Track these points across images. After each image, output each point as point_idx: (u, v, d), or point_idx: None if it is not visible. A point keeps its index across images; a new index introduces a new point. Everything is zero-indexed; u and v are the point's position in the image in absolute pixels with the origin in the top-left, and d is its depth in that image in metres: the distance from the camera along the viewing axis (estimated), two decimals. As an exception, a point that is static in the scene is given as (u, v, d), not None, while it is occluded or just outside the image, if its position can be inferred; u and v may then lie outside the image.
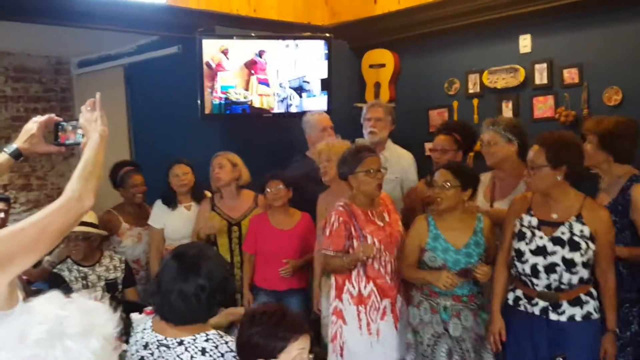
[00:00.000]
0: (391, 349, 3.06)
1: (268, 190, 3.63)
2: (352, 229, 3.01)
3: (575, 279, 2.64)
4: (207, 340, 1.99)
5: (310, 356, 1.87)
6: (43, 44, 5.07)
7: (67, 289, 3.45)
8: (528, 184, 2.85)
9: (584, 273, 2.64)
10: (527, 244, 2.73)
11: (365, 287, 3.03)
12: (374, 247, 2.97)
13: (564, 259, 2.63)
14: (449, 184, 2.91)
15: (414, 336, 3.01)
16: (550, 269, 2.67)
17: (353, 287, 3.04)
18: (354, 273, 3.04)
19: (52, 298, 1.33)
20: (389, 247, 3.05)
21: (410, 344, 3.03)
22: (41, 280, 3.64)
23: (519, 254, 2.74)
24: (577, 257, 2.62)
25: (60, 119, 1.97)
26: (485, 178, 3.35)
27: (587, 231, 2.62)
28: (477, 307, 2.96)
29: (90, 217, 3.54)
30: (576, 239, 2.62)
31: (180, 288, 1.99)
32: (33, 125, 1.94)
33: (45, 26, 3.92)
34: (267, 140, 4.32)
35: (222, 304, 2.12)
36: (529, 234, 2.74)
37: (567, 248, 2.63)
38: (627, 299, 2.87)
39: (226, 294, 2.08)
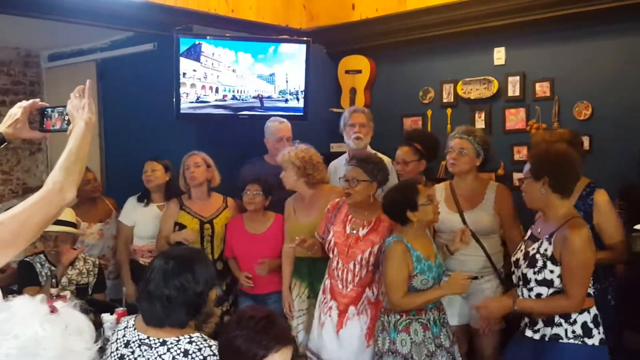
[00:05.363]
0: (331, 348, 3.09)
1: (247, 192, 3.60)
2: (331, 219, 3.22)
3: (532, 296, 2.56)
4: (190, 343, 1.97)
5: None
6: (12, 35, 4.93)
7: (36, 281, 3.34)
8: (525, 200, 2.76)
9: (543, 291, 2.53)
10: (515, 255, 2.74)
11: (325, 279, 3.23)
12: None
13: (522, 274, 2.61)
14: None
15: None
16: (517, 282, 2.68)
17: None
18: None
19: (36, 308, 1.23)
20: (342, 255, 3.11)
21: None
22: (10, 282, 3.52)
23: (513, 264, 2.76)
24: (530, 273, 2.55)
25: (46, 105, 1.93)
26: (440, 187, 3.35)
27: (550, 251, 2.51)
28: (444, 313, 2.98)
29: (71, 216, 3.44)
30: (537, 256, 2.55)
31: (149, 290, 2.02)
32: (18, 110, 1.87)
33: (15, 17, 3.79)
34: (243, 140, 4.29)
35: (194, 318, 2.08)
36: (521, 245, 2.73)
37: (526, 263, 2.60)
38: None
39: (198, 311, 2.03)
